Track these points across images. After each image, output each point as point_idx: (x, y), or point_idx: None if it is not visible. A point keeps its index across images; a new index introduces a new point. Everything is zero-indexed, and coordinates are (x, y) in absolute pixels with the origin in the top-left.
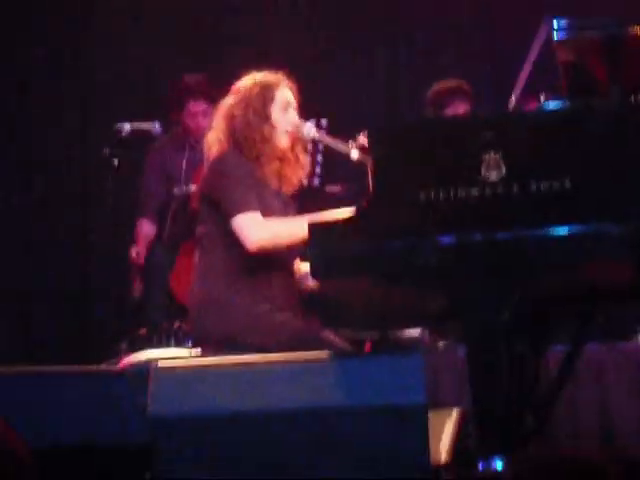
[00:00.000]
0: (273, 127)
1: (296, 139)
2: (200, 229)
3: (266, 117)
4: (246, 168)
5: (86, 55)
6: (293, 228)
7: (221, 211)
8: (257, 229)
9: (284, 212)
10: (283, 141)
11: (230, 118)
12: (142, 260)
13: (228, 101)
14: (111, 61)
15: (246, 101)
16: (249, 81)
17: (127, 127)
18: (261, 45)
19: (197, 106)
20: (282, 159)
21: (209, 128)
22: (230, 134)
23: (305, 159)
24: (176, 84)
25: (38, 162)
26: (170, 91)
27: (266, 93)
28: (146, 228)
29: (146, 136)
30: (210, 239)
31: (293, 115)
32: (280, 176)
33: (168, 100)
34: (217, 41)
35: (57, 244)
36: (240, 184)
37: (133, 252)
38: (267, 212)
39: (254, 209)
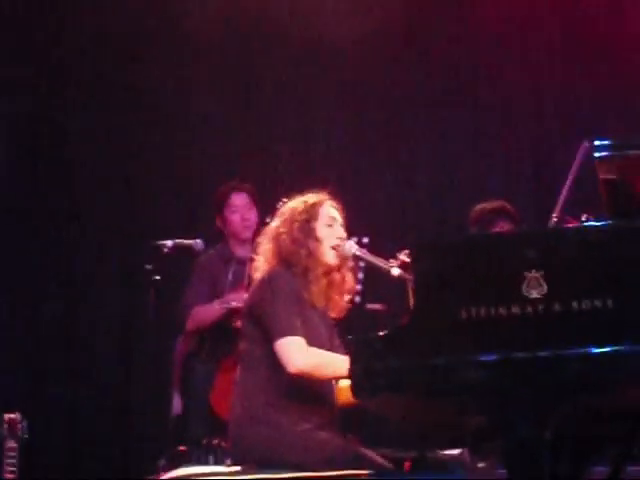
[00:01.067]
0: (319, 242)
1: (343, 258)
2: (243, 345)
3: (310, 232)
4: (294, 287)
5: (128, 172)
6: (334, 363)
7: (265, 330)
8: (300, 355)
9: (328, 334)
10: (330, 257)
11: (276, 237)
12: (180, 377)
13: (274, 224)
14: (152, 175)
15: (291, 219)
16: (293, 203)
17: (169, 243)
18: (304, 161)
19: (239, 199)
20: (329, 277)
21: (255, 252)
22: (277, 253)
23: (351, 280)
24: (220, 186)
25: (81, 278)
26: (216, 193)
27: (310, 210)
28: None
29: (188, 252)
30: (253, 356)
31: (339, 230)
32: (327, 297)
33: (214, 201)
34: (258, 157)
35: (99, 359)
36: (287, 305)
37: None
38: (311, 333)
39: (299, 334)
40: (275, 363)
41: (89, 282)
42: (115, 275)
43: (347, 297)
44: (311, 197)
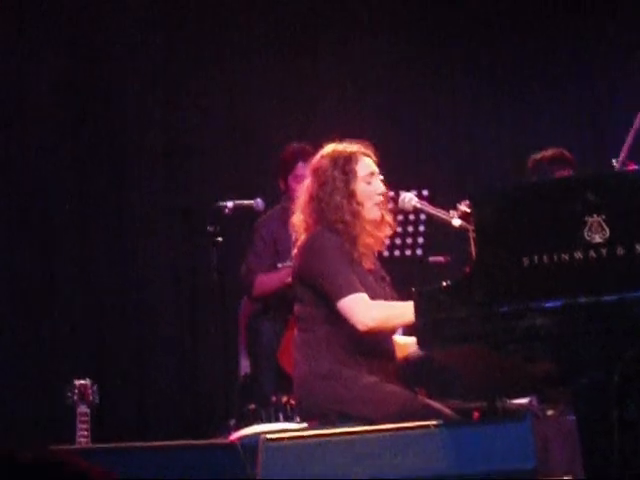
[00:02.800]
0: (360, 203)
1: (385, 208)
2: (298, 308)
3: (352, 194)
4: (341, 248)
5: (186, 133)
6: (401, 312)
7: (322, 293)
8: (367, 311)
9: (382, 289)
10: (374, 213)
11: (316, 201)
12: (246, 337)
13: (310, 181)
14: (211, 139)
15: (329, 182)
16: (327, 159)
17: (230, 204)
18: (354, 115)
19: (305, 169)
20: (373, 234)
21: (293, 211)
22: (318, 217)
23: (391, 220)
24: (286, 149)
25: (142, 246)
26: (280, 156)
27: (347, 168)
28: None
29: (248, 213)
30: (310, 318)
31: (378, 185)
32: (372, 244)
33: (277, 165)
34: (309, 112)
35: (167, 322)
36: (340, 265)
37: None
38: (366, 290)
39: (360, 290)
40: (335, 323)
41: (152, 248)
42: (177, 238)
43: (388, 231)
44: (345, 151)
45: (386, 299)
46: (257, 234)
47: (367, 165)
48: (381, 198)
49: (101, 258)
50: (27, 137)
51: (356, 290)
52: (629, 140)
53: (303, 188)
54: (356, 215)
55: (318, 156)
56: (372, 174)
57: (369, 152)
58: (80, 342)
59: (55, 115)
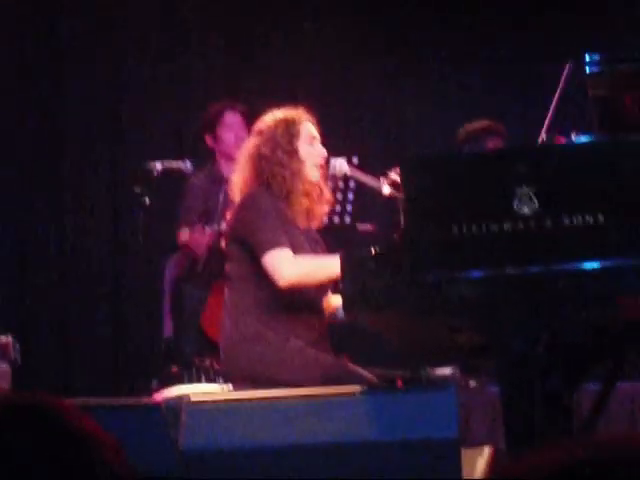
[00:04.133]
0: (302, 162)
1: (323, 174)
2: (229, 267)
3: (294, 152)
4: (275, 206)
5: (116, 91)
6: (324, 266)
7: (250, 249)
8: (288, 266)
9: (314, 250)
10: (313, 174)
11: (257, 158)
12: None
13: (252, 142)
14: (140, 99)
15: (272, 140)
16: (270, 120)
17: (158, 166)
18: (289, 81)
19: (234, 117)
20: (310, 195)
21: (233, 170)
22: (258, 174)
23: (329, 193)
24: (212, 103)
25: (70, 201)
26: (206, 111)
27: (291, 129)
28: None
29: (177, 174)
30: (239, 277)
31: (320, 148)
32: (307, 213)
33: (204, 120)
34: (243, 73)
35: (89, 281)
36: (270, 222)
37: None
38: (297, 251)
39: (285, 246)
40: (262, 282)
41: (78, 206)
42: (104, 199)
43: (326, 208)
44: (289, 114)
45: None
46: (187, 194)
47: (310, 128)
48: (322, 161)
49: (27, 214)
50: None
51: (280, 245)
52: (551, 113)
53: (243, 148)
54: (296, 173)
55: (261, 119)
56: (314, 138)
57: (312, 119)
58: (1, 298)
59: None
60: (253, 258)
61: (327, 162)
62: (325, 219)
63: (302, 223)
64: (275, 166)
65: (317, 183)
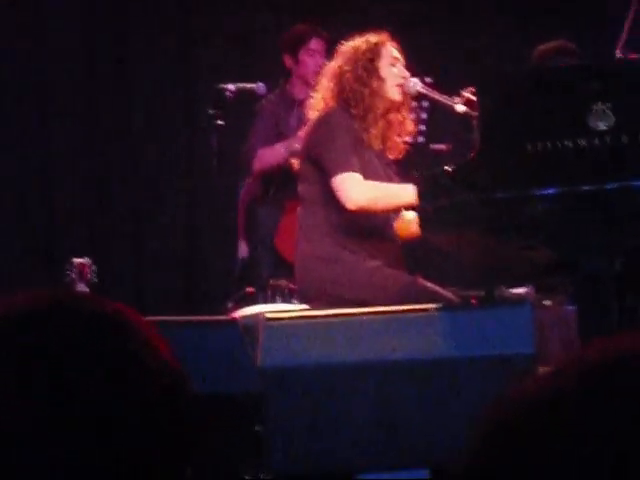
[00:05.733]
0: (382, 80)
1: (405, 96)
2: (302, 188)
3: (375, 70)
4: (350, 127)
5: (190, 15)
6: (393, 194)
7: (322, 169)
8: (357, 189)
9: (386, 174)
10: (394, 94)
11: (338, 76)
12: (244, 221)
13: (334, 63)
14: (216, 23)
15: (354, 58)
16: (353, 43)
17: (231, 87)
18: (363, 11)
19: (319, 44)
20: (388, 118)
21: (308, 94)
22: (338, 92)
23: (411, 122)
24: (298, 25)
25: (143, 128)
26: (291, 31)
27: (373, 49)
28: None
29: (250, 96)
30: (312, 199)
31: (402, 70)
32: (384, 139)
33: (287, 39)
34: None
35: (164, 203)
36: (343, 142)
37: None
38: (369, 173)
39: (355, 169)
40: (334, 203)
41: (153, 127)
42: (178, 120)
43: (406, 138)
44: (373, 37)
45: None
46: (259, 115)
47: (393, 51)
48: (403, 81)
49: (100, 137)
50: None
51: (351, 168)
52: (625, 31)
53: (325, 69)
54: (376, 91)
55: (345, 44)
56: (397, 59)
57: (395, 44)
58: (78, 221)
59: None
60: (324, 179)
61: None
62: (403, 151)
63: (377, 146)
64: (355, 83)
65: (398, 103)
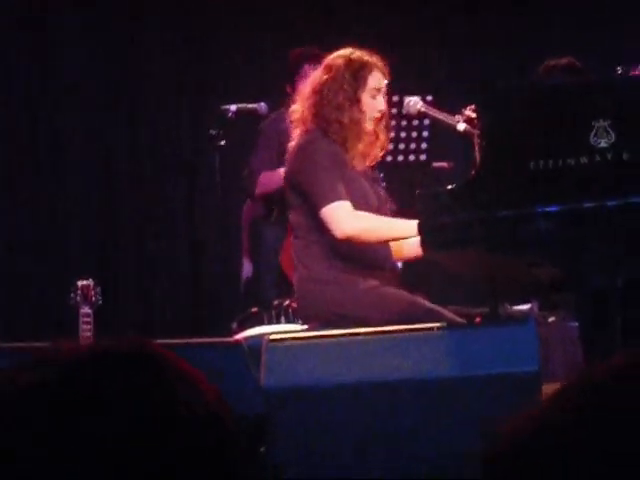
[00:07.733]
0: (362, 112)
1: (378, 121)
2: (291, 216)
3: (357, 101)
4: (331, 151)
5: (195, 39)
6: (387, 226)
7: (309, 200)
8: (346, 220)
9: (373, 190)
10: (369, 125)
11: (320, 95)
12: (248, 241)
13: (319, 75)
14: (220, 45)
15: (339, 82)
16: (342, 60)
17: (233, 108)
18: (364, 25)
19: (311, 68)
20: (366, 139)
21: (298, 97)
22: (317, 112)
23: (385, 138)
24: (292, 52)
25: (147, 145)
26: (287, 59)
27: (358, 76)
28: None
29: (252, 116)
30: (302, 227)
31: (380, 102)
32: (363, 155)
33: (286, 68)
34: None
35: (170, 226)
36: (326, 173)
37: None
38: (356, 194)
39: (343, 197)
40: (323, 231)
41: (154, 149)
42: (182, 142)
43: (380, 149)
44: (362, 59)
45: (379, 200)
46: (261, 136)
47: (378, 79)
48: (379, 115)
49: (106, 157)
50: None
51: (337, 197)
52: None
53: (310, 80)
54: (355, 121)
55: (334, 54)
56: (379, 90)
57: (383, 67)
58: (83, 243)
59: None
60: (311, 209)
61: (401, 100)
62: (379, 157)
63: (359, 164)
64: (335, 110)
65: (372, 132)
